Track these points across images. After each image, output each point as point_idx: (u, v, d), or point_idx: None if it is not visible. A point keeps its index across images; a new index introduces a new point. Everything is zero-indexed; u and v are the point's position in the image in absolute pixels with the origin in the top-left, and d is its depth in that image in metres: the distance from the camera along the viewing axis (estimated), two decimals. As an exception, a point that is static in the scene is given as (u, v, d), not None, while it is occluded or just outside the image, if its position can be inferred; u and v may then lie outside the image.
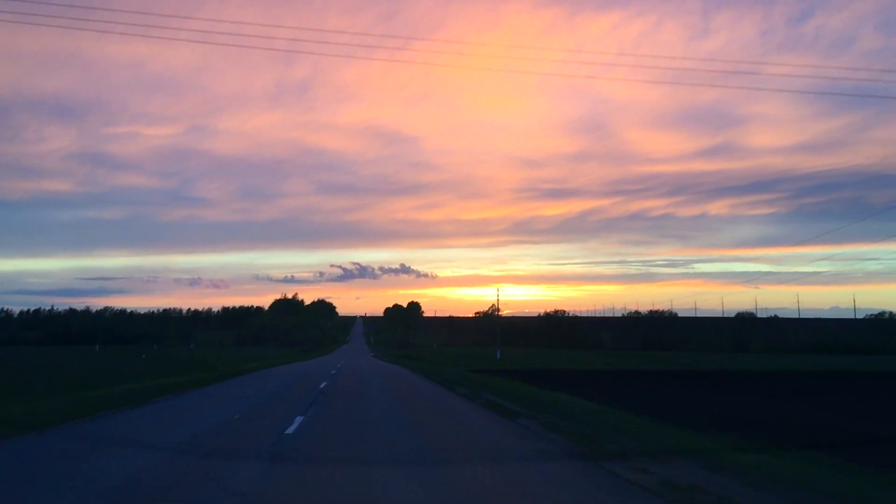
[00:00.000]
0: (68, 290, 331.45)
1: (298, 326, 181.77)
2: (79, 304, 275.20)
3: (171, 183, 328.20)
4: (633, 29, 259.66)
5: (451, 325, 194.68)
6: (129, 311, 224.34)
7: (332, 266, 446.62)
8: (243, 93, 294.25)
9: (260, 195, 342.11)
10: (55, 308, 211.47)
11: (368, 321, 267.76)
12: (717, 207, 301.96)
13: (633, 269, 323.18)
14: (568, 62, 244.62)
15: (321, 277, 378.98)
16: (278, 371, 42.83)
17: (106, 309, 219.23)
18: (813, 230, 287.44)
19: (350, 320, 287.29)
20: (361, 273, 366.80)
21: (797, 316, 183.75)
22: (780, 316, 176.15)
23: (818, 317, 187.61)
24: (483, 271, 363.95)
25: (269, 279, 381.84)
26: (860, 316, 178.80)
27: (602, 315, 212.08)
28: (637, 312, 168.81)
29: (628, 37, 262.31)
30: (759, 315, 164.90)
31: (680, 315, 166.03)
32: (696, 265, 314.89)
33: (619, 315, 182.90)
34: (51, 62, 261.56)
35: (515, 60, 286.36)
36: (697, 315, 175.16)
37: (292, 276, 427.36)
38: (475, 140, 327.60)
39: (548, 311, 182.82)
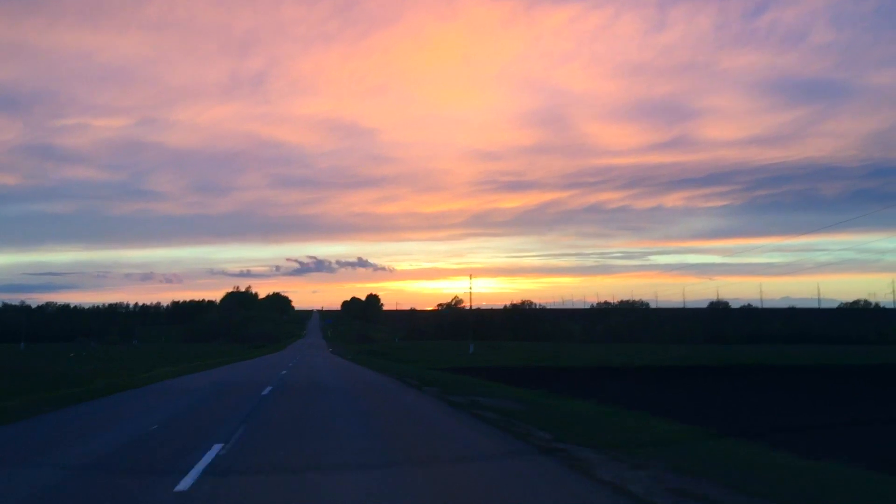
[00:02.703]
0: (14, 285, 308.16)
1: (251, 321, 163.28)
2: (28, 300, 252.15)
3: (123, 176, 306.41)
4: (590, 22, 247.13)
5: (412, 319, 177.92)
6: (73, 306, 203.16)
7: (288, 260, 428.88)
8: (197, 84, 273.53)
9: (214, 188, 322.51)
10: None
11: (325, 315, 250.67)
12: (673, 200, 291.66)
13: (589, 262, 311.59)
14: (525, 55, 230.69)
15: (277, 271, 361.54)
16: (187, 383, 26.06)
17: (48, 304, 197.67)
18: (765, 222, 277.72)
19: (306, 314, 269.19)
20: (318, 267, 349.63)
21: (760, 306, 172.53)
22: (737, 306, 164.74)
23: (776, 307, 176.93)
24: (441, 264, 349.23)
25: (224, 274, 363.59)
26: (825, 306, 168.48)
27: (563, 307, 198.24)
28: (607, 303, 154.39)
29: (585, 30, 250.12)
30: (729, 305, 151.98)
31: (650, 306, 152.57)
32: (651, 257, 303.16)
33: (587, 307, 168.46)
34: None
35: (473, 52, 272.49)
36: (660, 306, 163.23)
37: (248, 271, 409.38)
38: (433, 132, 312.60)
39: (511, 303, 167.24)
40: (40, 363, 45.34)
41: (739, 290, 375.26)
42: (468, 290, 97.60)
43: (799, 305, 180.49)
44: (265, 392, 20.42)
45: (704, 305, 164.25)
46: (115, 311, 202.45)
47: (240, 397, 18.99)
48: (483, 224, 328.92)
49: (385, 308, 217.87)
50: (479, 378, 29.66)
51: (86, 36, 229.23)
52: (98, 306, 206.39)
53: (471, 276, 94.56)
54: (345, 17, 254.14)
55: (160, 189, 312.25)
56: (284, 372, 34.63)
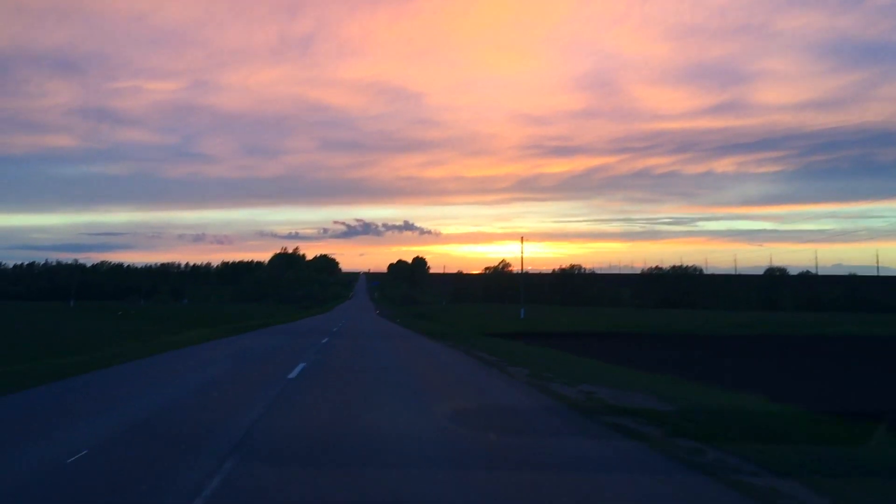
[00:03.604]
0: (73, 245, 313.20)
1: (299, 282, 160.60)
2: (84, 259, 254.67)
3: (175, 139, 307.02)
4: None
5: (459, 282, 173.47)
6: (126, 265, 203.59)
7: (335, 223, 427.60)
8: (246, 47, 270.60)
9: (264, 151, 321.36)
10: (48, 262, 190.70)
11: (372, 277, 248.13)
12: (724, 165, 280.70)
13: (637, 227, 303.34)
14: (575, 17, 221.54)
15: (325, 234, 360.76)
16: (209, 352, 21.77)
17: (102, 263, 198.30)
18: (820, 188, 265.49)
19: (353, 276, 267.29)
20: (365, 230, 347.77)
21: (815, 273, 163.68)
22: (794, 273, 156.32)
23: (830, 274, 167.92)
24: (487, 228, 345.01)
25: (273, 235, 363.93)
26: (883, 273, 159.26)
27: (611, 272, 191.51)
28: (658, 269, 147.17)
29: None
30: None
31: (702, 272, 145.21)
32: (700, 223, 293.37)
33: (635, 272, 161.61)
34: (53, 16, 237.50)
35: (521, 15, 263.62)
36: (711, 272, 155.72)
37: (296, 233, 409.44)
38: (480, 96, 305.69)
39: (560, 267, 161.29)
40: (68, 323, 41.93)
41: (792, 256, 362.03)
42: (516, 255, 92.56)
43: (854, 273, 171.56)
44: (293, 374, 15.51)
45: (756, 272, 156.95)
46: (167, 270, 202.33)
47: (258, 383, 13.92)
48: (530, 189, 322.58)
49: (431, 271, 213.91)
50: (555, 349, 24.89)
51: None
52: (151, 266, 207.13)
53: (522, 239, 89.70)
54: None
55: (211, 152, 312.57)
56: (325, 340, 29.62)
